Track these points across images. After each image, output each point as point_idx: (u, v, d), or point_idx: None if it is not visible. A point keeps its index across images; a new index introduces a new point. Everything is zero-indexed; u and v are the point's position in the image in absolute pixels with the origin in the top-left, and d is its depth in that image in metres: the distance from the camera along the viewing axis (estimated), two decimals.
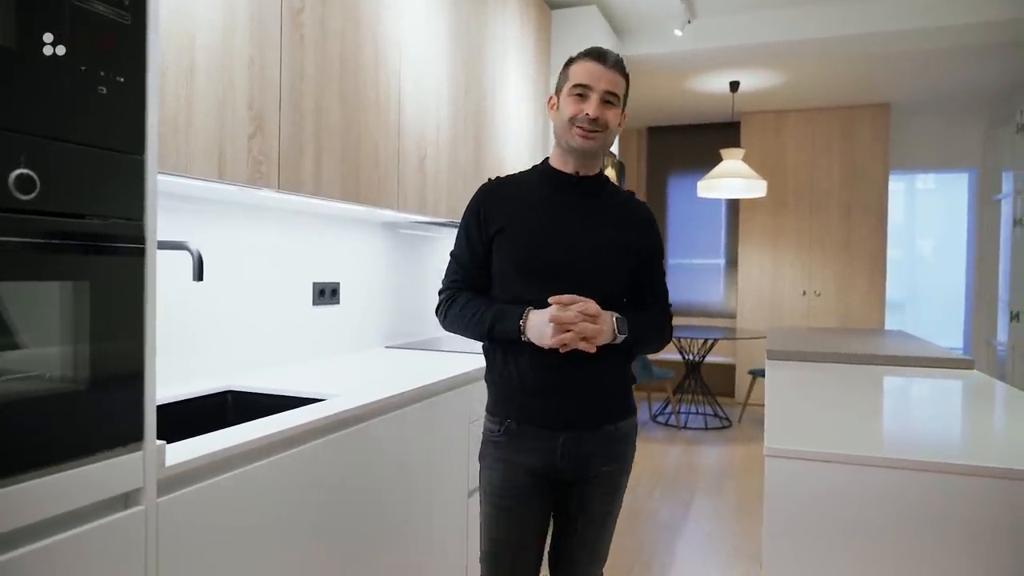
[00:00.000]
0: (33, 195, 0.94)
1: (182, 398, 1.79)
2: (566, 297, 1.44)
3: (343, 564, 1.67)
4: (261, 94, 1.74)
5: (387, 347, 2.87)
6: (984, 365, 6.40)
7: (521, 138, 3.55)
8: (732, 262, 6.81)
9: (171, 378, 1.87)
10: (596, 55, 1.52)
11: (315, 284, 2.48)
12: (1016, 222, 5.74)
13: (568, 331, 1.42)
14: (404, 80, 2.41)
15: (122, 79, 1.06)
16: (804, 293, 6.36)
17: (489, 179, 1.65)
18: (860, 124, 6.20)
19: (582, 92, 1.50)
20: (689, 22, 4.13)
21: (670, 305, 1.69)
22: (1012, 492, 1.25)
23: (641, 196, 7.14)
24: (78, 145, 1.00)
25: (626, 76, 1.56)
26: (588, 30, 3.90)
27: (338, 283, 2.60)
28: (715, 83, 5.46)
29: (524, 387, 1.53)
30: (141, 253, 1.11)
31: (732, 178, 5.15)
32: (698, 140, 6.91)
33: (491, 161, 3.17)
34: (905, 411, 1.87)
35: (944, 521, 1.28)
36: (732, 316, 6.77)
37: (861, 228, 6.24)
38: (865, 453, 1.33)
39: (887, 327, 7.66)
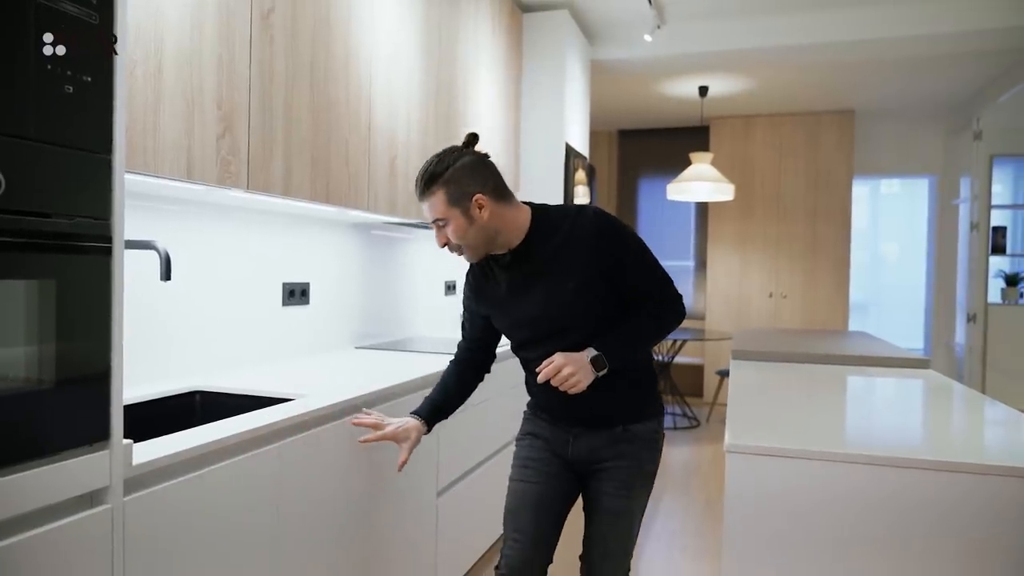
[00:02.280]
0: None
1: (149, 398, 1.78)
2: (546, 369, 1.54)
3: (309, 563, 1.67)
4: (230, 94, 1.74)
5: (357, 348, 2.87)
6: (943, 365, 6.58)
7: (493, 138, 3.57)
8: (701, 264, 6.91)
9: (138, 378, 1.86)
10: (417, 188, 1.57)
11: (285, 284, 2.48)
12: (972, 226, 5.92)
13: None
14: (375, 81, 2.42)
15: (89, 78, 1.07)
16: (771, 295, 6.48)
17: (470, 266, 1.75)
18: (825, 130, 6.33)
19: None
20: (659, 27, 4.20)
21: (672, 292, 1.65)
22: (961, 485, 1.30)
23: (612, 198, 7.22)
24: (45, 144, 1.00)
25: (443, 184, 1.52)
26: (559, 34, 3.94)
27: (308, 283, 2.60)
28: (685, 88, 5.54)
29: (539, 403, 1.77)
30: (108, 252, 1.11)
31: (700, 181, 5.23)
32: (669, 143, 7.00)
33: None
34: (861, 409, 1.93)
35: (895, 513, 1.33)
36: (701, 318, 6.86)
37: (826, 232, 6.37)
38: (821, 448, 1.38)
39: (851, 328, 7.82)
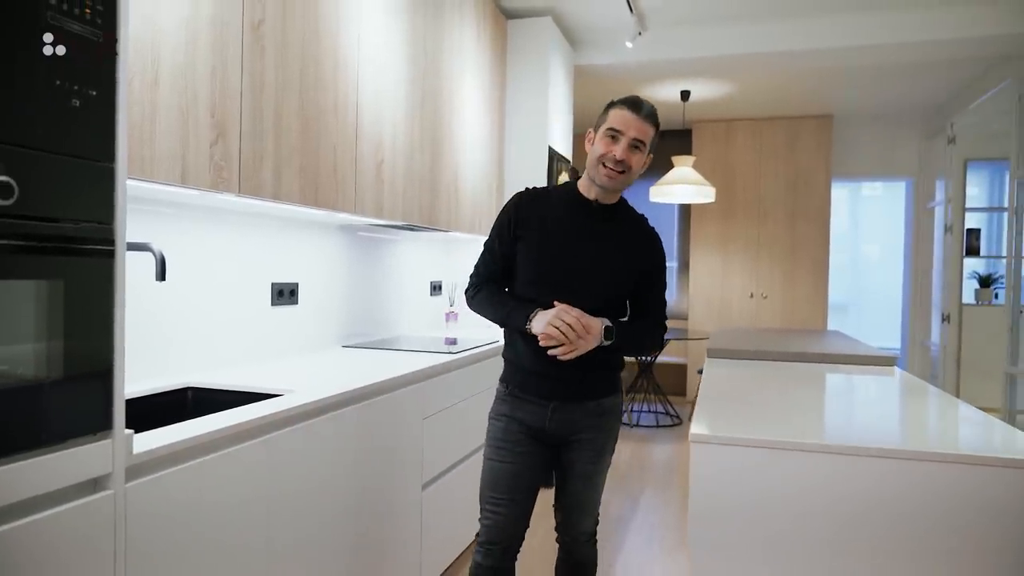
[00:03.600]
0: (11, 200, 1.02)
1: (144, 394, 1.85)
2: (572, 310, 1.70)
3: (298, 549, 1.75)
4: (223, 103, 1.82)
5: (344, 346, 2.95)
6: (918, 365, 6.74)
7: (476, 144, 3.66)
8: (684, 265, 7.03)
9: (134, 375, 1.93)
10: (632, 104, 1.75)
11: (274, 285, 2.55)
12: (947, 229, 6.07)
13: (555, 329, 1.69)
14: (362, 88, 2.50)
15: (94, 92, 1.15)
16: (752, 295, 6.60)
17: (526, 188, 1.91)
18: (805, 134, 6.47)
19: (614, 135, 1.74)
20: (640, 34, 4.30)
21: (666, 317, 1.95)
22: (910, 472, 1.40)
23: None
24: (53, 154, 1.08)
25: (657, 125, 1.78)
26: (543, 40, 4.04)
27: (296, 284, 2.68)
28: (667, 92, 5.65)
29: (524, 366, 1.85)
30: (111, 255, 1.19)
31: (682, 184, 5.34)
32: None
33: (447, 166, 3.28)
34: (821, 403, 2.03)
35: (851, 499, 1.43)
36: (684, 318, 6.98)
37: (805, 233, 6.51)
38: (778, 438, 1.48)
39: (830, 328, 7.97)
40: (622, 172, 1.75)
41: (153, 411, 1.87)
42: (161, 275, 1.63)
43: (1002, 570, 1.35)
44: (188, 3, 1.69)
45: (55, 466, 1.09)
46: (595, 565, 2.02)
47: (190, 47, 1.70)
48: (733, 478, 1.49)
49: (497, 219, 1.90)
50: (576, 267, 1.79)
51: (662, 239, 1.93)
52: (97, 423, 1.16)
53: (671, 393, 6.87)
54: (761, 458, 1.47)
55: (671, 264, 7.12)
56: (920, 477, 1.39)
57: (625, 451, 4.98)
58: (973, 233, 6.78)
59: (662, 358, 6.58)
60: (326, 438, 1.85)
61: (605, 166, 1.75)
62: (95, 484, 1.18)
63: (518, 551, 1.91)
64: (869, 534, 1.42)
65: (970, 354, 6.27)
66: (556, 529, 1.99)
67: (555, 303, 1.73)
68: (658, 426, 5.78)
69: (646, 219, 1.95)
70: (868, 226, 9.26)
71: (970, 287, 6.75)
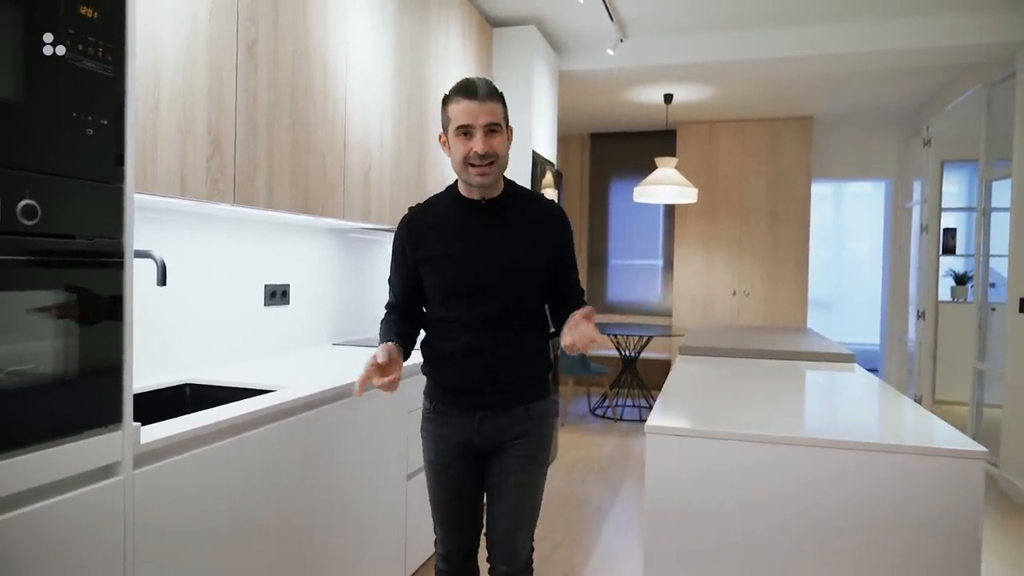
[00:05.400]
0: (35, 221, 1.16)
1: (146, 390, 1.99)
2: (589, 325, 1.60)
3: (291, 530, 1.90)
4: (218, 120, 1.95)
5: (334, 344, 3.09)
6: (896, 360, 6.92)
7: None
8: (669, 264, 7.20)
9: (136, 372, 2.07)
10: (467, 91, 1.66)
11: (267, 286, 2.69)
12: (923, 228, 6.25)
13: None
14: (350, 100, 2.64)
15: (105, 122, 1.28)
16: (734, 293, 6.77)
17: (409, 208, 1.85)
18: (785, 135, 6.63)
19: (466, 131, 1.66)
20: (621, 41, 4.44)
21: (584, 294, 1.90)
22: (846, 461, 1.56)
23: (584, 199, 7.48)
24: (70, 178, 1.22)
25: (501, 97, 1.70)
26: (527, 47, 4.18)
27: (288, 285, 2.82)
28: (650, 95, 5.80)
29: (447, 380, 1.81)
30: (120, 265, 1.33)
31: (665, 185, 5.50)
32: (638, 146, 7.26)
33: (433, 169, 3.42)
34: (777, 398, 2.18)
35: (799, 486, 1.59)
36: (668, 314, 7.15)
37: (786, 233, 6.67)
38: (727, 429, 1.63)
39: (812, 324, 8.14)
40: (491, 163, 1.67)
41: (155, 405, 2.01)
42: (162, 280, 1.77)
43: (916, 546, 1.51)
44: (188, 27, 1.83)
45: (72, 454, 1.23)
46: None
47: (188, 70, 1.84)
48: (685, 467, 1.64)
49: (392, 247, 1.84)
50: (482, 272, 1.73)
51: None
52: (108, 416, 1.30)
53: (655, 388, 7.04)
54: (709, 448, 1.63)
55: (656, 262, 7.28)
56: (841, 464, 1.54)
57: (609, 444, 5.14)
58: (949, 232, 6.96)
59: (646, 354, 6.75)
60: (316, 430, 2.00)
61: (472, 165, 1.67)
62: (107, 471, 1.32)
63: (477, 550, 1.90)
64: (796, 515, 1.58)
65: (945, 350, 6.45)
66: (489, 561, 1.85)
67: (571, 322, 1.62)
68: (641, 420, 5.95)
69: (542, 196, 1.88)
70: (853, 223, 9.45)
71: (947, 285, 6.95)
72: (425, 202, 1.87)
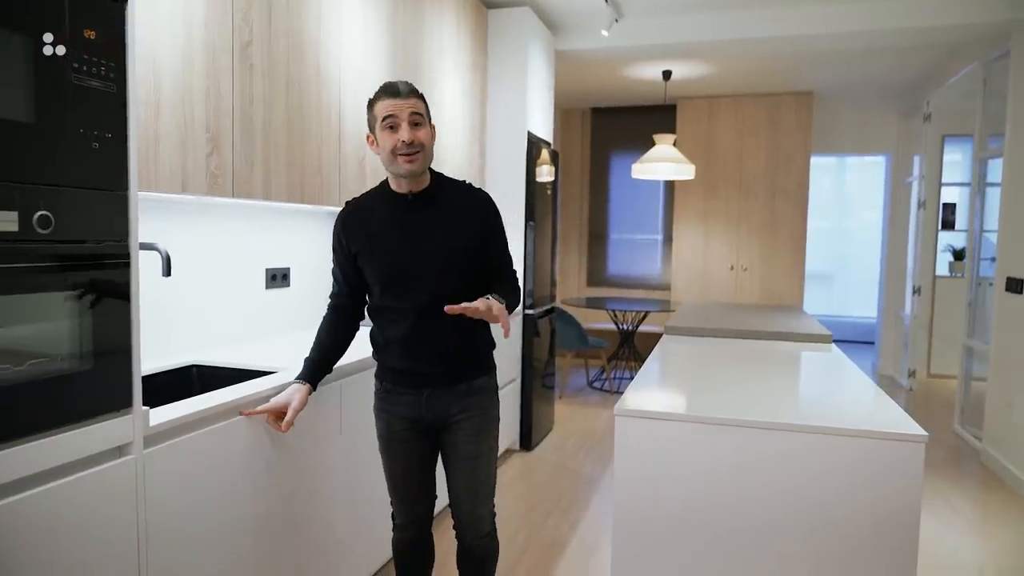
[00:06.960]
0: (50, 229, 1.28)
1: (155, 371, 2.14)
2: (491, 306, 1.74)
3: (293, 503, 2.05)
4: (216, 119, 2.06)
5: None
6: (892, 334, 7.02)
7: (458, 132, 3.88)
8: (668, 239, 7.28)
9: (145, 355, 2.21)
10: (389, 91, 1.78)
11: (267, 270, 2.82)
12: (920, 204, 6.29)
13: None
14: (344, 90, 2.73)
15: (110, 135, 1.40)
16: (732, 268, 6.86)
17: (346, 202, 1.96)
18: (785, 111, 6.65)
19: (392, 124, 1.77)
20: (616, 21, 4.49)
21: (517, 279, 2.01)
22: (792, 442, 1.68)
23: (585, 174, 7.55)
24: (79, 189, 1.34)
25: (422, 97, 1.83)
26: (522, 28, 4.23)
27: (288, 268, 2.95)
28: (649, 71, 5.84)
29: (393, 364, 1.94)
30: (127, 265, 1.46)
31: (663, 162, 5.56)
32: (638, 121, 7.30)
33: None
34: (745, 379, 2.30)
35: (765, 468, 1.72)
36: (667, 288, 7.26)
37: (784, 208, 6.73)
38: (681, 412, 1.76)
39: (812, 298, 8.23)
40: (418, 152, 1.78)
41: (164, 386, 2.16)
42: (167, 271, 1.90)
43: (858, 525, 1.64)
44: (183, 33, 1.93)
45: (88, 436, 1.37)
46: (496, 558, 2.08)
47: (186, 74, 1.95)
48: (648, 448, 1.77)
49: (332, 243, 1.97)
50: (413, 263, 1.83)
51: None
52: (120, 402, 1.44)
53: None
54: (671, 430, 1.76)
55: (656, 237, 7.37)
56: (789, 446, 1.67)
57: (604, 417, 5.30)
58: (948, 207, 7.00)
59: (643, 328, 6.87)
60: (318, 408, 2.14)
61: (400, 155, 1.77)
62: (119, 451, 1.46)
63: (431, 522, 2.08)
64: (753, 497, 1.71)
65: (942, 325, 6.55)
66: (456, 533, 2.01)
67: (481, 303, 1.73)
68: None
69: (470, 185, 1.96)
70: (857, 193, 9.45)
71: (945, 260, 7.00)
72: (360, 197, 1.97)
